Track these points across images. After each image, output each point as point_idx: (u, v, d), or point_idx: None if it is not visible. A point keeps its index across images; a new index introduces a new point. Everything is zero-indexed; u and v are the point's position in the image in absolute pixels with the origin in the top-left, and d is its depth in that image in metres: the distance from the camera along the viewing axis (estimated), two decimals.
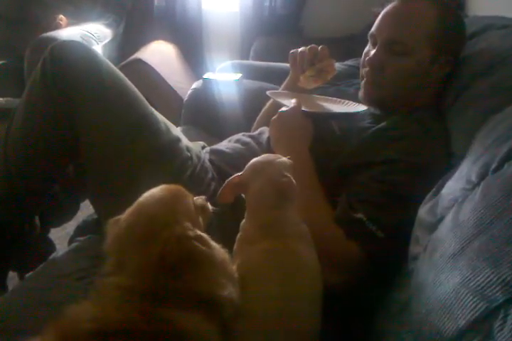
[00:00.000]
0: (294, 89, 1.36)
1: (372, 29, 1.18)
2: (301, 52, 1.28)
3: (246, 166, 0.85)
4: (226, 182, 0.84)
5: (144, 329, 0.57)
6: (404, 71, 1.13)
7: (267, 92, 1.30)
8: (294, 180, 0.78)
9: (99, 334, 0.56)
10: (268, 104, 1.43)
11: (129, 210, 0.69)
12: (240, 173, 0.84)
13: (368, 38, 1.21)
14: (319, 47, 1.26)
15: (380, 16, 1.17)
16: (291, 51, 1.32)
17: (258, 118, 1.47)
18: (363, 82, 1.21)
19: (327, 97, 1.33)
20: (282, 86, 1.45)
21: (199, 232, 0.66)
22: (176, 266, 0.62)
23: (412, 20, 1.12)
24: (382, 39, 1.14)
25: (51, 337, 0.57)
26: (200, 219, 0.74)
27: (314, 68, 1.25)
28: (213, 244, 0.68)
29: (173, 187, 0.73)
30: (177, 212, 0.67)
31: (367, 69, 1.19)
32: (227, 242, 0.75)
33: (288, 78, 1.43)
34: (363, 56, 1.23)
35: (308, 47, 1.27)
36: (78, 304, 0.61)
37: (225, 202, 0.84)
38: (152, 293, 0.60)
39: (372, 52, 1.16)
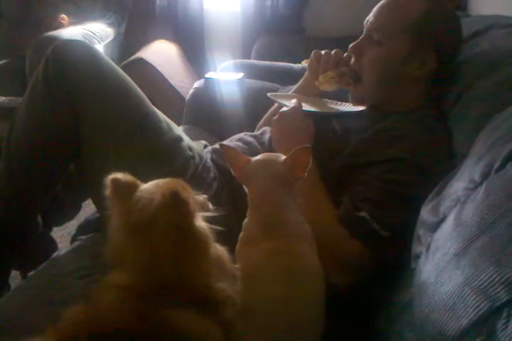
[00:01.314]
0: (305, 92, 1.36)
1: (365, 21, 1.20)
2: (326, 52, 1.29)
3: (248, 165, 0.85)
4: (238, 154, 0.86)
5: (142, 329, 0.57)
6: (378, 59, 1.14)
7: (268, 94, 1.30)
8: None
9: (97, 335, 0.56)
10: (273, 107, 1.43)
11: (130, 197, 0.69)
12: (251, 157, 0.85)
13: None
14: (345, 54, 1.27)
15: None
16: (316, 50, 1.31)
17: (262, 120, 1.46)
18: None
19: (327, 99, 1.33)
20: (294, 88, 1.42)
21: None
22: (173, 250, 0.61)
23: (394, 10, 1.13)
24: (366, 28, 1.17)
25: (49, 338, 0.57)
26: None
27: (338, 71, 1.24)
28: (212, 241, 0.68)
29: (174, 180, 0.73)
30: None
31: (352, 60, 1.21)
32: (229, 241, 0.75)
33: (302, 80, 1.40)
34: None
35: (334, 50, 1.28)
36: (77, 305, 0.61)
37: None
38: (149, 292, 0.61)
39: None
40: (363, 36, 1.18)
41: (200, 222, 0.65)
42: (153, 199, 0.63)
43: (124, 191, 0.67)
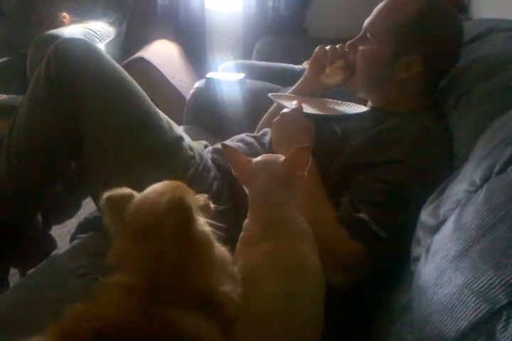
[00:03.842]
0: (304, 92, 1.36)
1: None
2: (332, 47, 1.30)
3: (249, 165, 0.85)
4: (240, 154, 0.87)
5: (144, 329, 0.57)
6: (366, 55, 1.17)
7: (269, 94, 1.30)
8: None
9: (100, 333, 0.56)
10: (273, 106, 1.43)
11: (130, 205, 0.69)
12: (252, 159, 0.86)
13: None
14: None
15: None
16: (320, 46, 1.33)
17: (262, 120, 1.46)
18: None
19: (328, 99, 1.33)
20: (293, 88, 1.43)
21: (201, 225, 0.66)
22: (175, 250, 0.61)
23: (386, 12, 1.15)
24: (364, 26, 1.20)
25: (52, 336, 0.57)
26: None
27: (344, 61, 1.25)
28: (215, 242, 0.68)
29: (174, 183, 0.73)
30: None
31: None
32: (229, 241, 0.75)
33: (301, 79, 1.40)
34: None
35: (338, 44, 1.30)
36: (79, 303, 0.61)
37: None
38: (152, 292, 0.60)
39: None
40: (360, 34, 1.20)
41: (204, 226, 0.65)
42: (158, 204, 0.63)
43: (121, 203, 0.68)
